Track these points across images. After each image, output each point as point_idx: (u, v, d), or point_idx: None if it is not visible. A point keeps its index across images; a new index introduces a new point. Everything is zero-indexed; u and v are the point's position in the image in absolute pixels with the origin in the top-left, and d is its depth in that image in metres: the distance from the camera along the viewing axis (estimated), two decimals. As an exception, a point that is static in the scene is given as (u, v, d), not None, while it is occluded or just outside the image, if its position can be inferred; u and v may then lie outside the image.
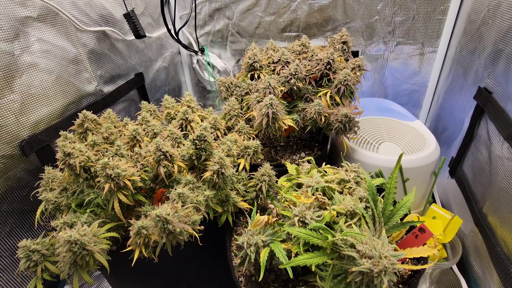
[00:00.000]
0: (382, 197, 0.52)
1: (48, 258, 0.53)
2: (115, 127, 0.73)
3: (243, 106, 0.87)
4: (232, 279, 0.57)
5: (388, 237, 0.47)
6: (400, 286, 0.54)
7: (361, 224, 0.45)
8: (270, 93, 0.80)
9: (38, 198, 0.60)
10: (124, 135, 0.68)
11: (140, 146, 0.65)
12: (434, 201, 1.07)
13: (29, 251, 0.51)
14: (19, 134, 0.70)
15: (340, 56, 0.93)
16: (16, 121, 0.69)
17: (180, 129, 0.73)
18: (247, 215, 0.63)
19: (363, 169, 0.56)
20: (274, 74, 0.88)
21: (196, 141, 0.58)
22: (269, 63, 0.92)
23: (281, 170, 0.70)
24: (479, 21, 0.93)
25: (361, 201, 0.49)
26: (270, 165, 0.68)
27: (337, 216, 0.48)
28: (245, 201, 0.66)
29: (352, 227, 0.45)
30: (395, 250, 0.43)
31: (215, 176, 0.56)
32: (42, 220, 0.75)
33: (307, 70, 0.85)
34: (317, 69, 0.85)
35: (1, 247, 0.67)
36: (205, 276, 0.75)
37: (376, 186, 0.56)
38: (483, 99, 0.85)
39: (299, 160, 0.92)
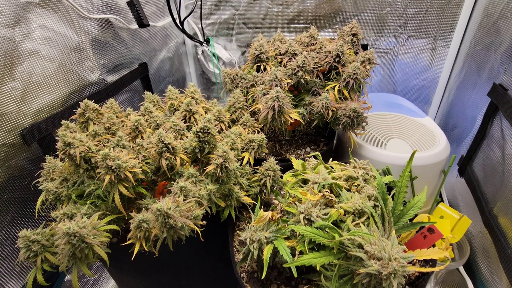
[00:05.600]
0: (391, 196, 0.50)
1: (48, 248, 0.52)
2: (117, 117, 0.71)
3: (248, 99, 0.85)
4: (234, 275, 0.56)
5: (397, 237, 0.45)
6: (407, 287, 0.52)
7: (370, 223, 0.44)
8: (276, 85, 0.78)
9: (39, 188, 0.59)
10: (126, 126, 0.67)
11: (142, 137, 0.64)
12: (442, 200, 1.05)
13: (29, 241, 0.50)
14: (21, 122, 0.69)
15: (349, 48, 0.90)
16: (17, 109, 0.68)
17: (184, 120, 0.71)
18: (250, 210, 0.62)
19: (373, 166, 0.53)
20: (281, 66, 0.86)
21: (200, 134, 0.56)
22: (276, 54, 0.89)
23: (285, 165, 0.68)
24: (497, 15, 0.89)
25: (369, 200, 0.47)
26: (275, 159, 0.66)
27: (344, 215, 0.46)
28: (248, 196, 0.64)
29: (360, 227, 0.43)
30: (405, 251, 0.41)
31: (218, 170, 0.55)
32: (43, 210, 0.74)
33: (315, 62, 0.83)
34: (326, 62, 0.82)
35: (2, 236, 0.67)
36: (206, 270, 0.75)
37: (385, 184, 0.54)
38: (498, 96, 0.81)
39: (305, 155, 0.90)
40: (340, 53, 0.80)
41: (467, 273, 0.85)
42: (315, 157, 0.63)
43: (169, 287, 0.74)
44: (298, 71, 0.78)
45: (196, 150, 0.58)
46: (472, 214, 0.88)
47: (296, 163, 0.63)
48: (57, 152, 0.53)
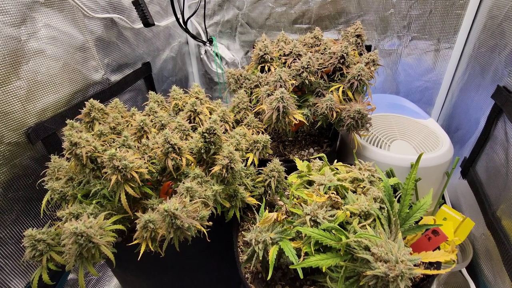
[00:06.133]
0: (397, 198, 0.50)
1: (54, 248, 0.52)
2: (122, 117, 0.72)
3: (252, 99, 0.85)
4: (238, 275, 0.56)
5: (403, 239, 0.45)
6: (411, 289, 0.52)
7: (376, 225, 0.44)
8: (280, 86, 0.78)
9: (44, 187, 0.60)
10: (131, 126, 0.67)
11: (147, 137, 0.64)
12: (444, 202, 1.05)
13: (34, 240, 0.51)
14: (26, 121, 0.69)
15: (353, 50, 0.90)
16: (22, 108, 0.68)
17: (188, 121, 0.71)
18: (254, 211, 0.62)
19: (378, 168, 0.53)
20: (285, 67, 0.86)
21: (206, 134, 0.56)
22: (280, 55, 0.89)
23: (289, 166, 0.68)
24: (502, 17, 0.89)
25: (375, 202, 0.47)
26: (278, 160, 0.66)
27: (350, 217, 0.46)
28: (253, 196, 0.64)
29: (366, 229, 0.43)
30: (411, 253, 0.41)
31: (224, 170, 0.55)
32: (48, 209, 0.74)
33: (320, 63, 0.83)
34: (330, 63, 0.82)
35: (7, 235, 0.67)
36: (210, 271, 0.75)
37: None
38: (502, 99, 0.81)
39: (308, 156, 0.90)
40: (345, 54, 0.80)
41: (469, 275, 0.85)
42: (320, 158, 0.63)
43: (172, 286, 0.74)
44: (303, 72, 0.78)
45: (202, 151, 0.58)
46: (475, 216, 0.88)
47: (301, 164, 0.63)
48: (63, 152, 0.53)
